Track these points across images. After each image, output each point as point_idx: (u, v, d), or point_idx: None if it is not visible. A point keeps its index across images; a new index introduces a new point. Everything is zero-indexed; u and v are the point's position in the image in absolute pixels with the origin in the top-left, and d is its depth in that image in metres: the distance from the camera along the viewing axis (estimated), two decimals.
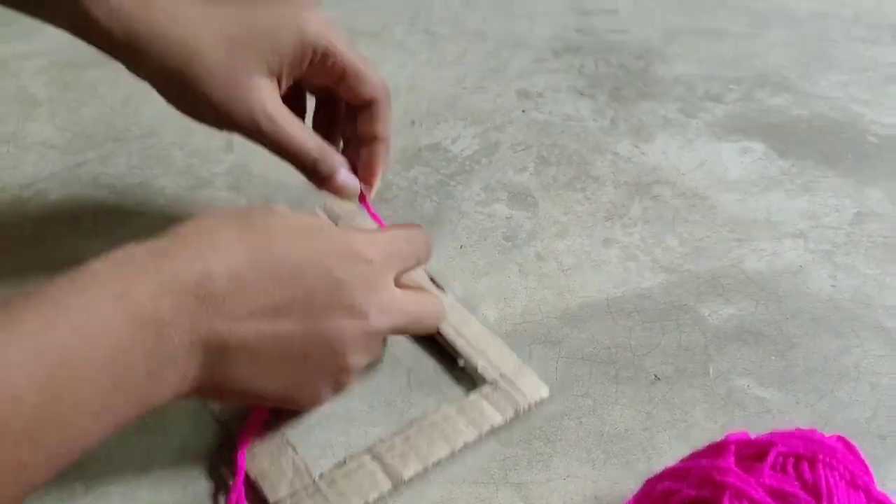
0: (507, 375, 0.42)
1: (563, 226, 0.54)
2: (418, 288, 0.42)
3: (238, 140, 0.60)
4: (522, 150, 0.61)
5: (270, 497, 0.37)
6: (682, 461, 0.34)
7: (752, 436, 0.34)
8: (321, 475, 0.38)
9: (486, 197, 0.56)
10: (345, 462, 0.39)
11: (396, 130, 0.62)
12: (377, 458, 0.39)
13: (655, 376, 0.44)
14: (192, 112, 0.43)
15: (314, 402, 0.39)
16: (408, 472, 0.38)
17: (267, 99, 0.42)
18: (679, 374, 0.44)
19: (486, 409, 0.41)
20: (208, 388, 0.34)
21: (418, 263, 0.41)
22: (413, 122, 0.63)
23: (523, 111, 0.65)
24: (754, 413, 0.42)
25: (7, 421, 0.27)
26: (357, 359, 0.37)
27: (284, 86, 0.44)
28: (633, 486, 0.38)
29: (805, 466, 0.31)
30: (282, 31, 0.41)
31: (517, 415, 0.41)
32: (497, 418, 0.40)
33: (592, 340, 0.46)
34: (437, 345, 0.45)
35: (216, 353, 0.33)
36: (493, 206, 0.55)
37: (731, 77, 0.70)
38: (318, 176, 0.44)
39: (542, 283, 0.49)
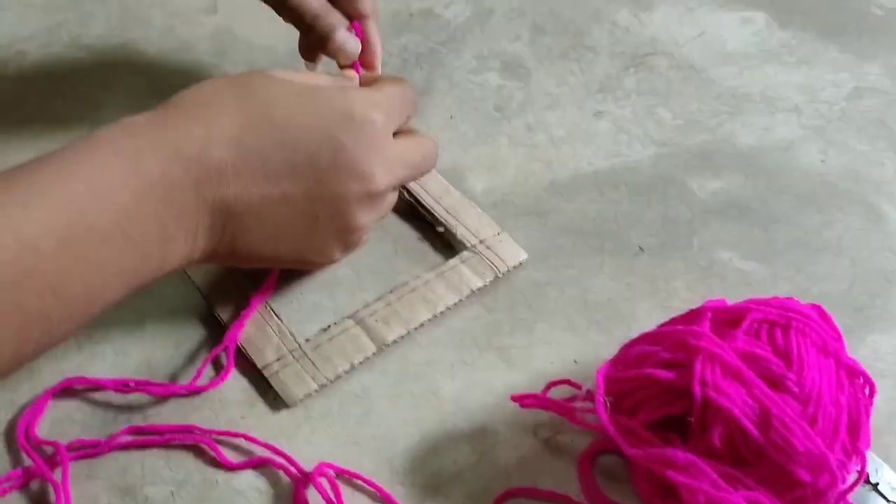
0: (486, 241, 0.43)
1: (555, 97, 0.53)
2: (411, 133, 0.42)
3: (221, 1, 0.58)
4: (517, 17, 0.59)
5: (258, 362, 0.38)
6: (660, 326, 0.35)
7: (730, 304, 0.35)
8: (307, 340, 0.39)
9: (477, 66, 0.55)
10: (329, 327, 0.40)
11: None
12: (360, 322, 0.40)
13: (640, 248, 0.44)
14: None
15: (327, 261, 0.40)
16: (391, 335, 0.39)
17: None
18: (663, 247, 0.44)
19: (466, 274, 0.41)
20: (223, 253, 0.36)
21: (409, 118, 0.41)
22: None
23: None
24: (734, 285, 0.43)
25: (30, 271, 0.29)
26: (365, 218, 0.38)
27: None
28: (612, 351, 0.39)
29: (778, 332, 0.32)
30: None
31: (496, 278, 0.41)
32: (477, 282, 0.41)
33: (579, 212, 0.46)
34: (419, 214, 0.45)
35: (224, 217, 0.34)
36: (485, 76, 0.54)
37: None
38: (316, 34, 0.43)
39: (532, 155, 0.49)
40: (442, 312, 0.40)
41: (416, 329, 0.40)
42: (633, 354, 0.34)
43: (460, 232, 0.43)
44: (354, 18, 0.44)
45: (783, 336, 0.32)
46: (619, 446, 0.32)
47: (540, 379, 0.38)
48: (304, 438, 0.36)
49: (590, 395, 0.33)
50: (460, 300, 0.41)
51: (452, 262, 0.42)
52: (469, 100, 0.52)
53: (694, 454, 0.30)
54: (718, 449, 0.30)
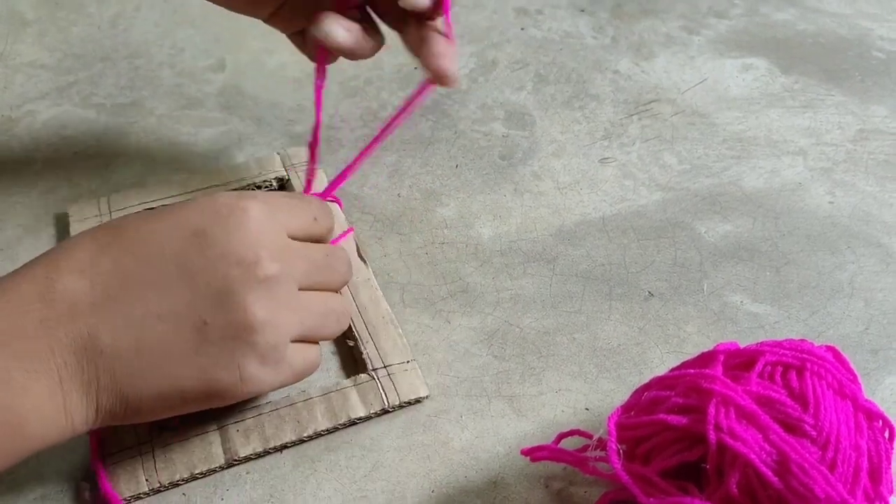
0: (390, 368, 0.39)
1: (560, 144, 0.53)
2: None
3: (229, 59, 0.59)
4: (520, 68, 0.59)
5: (110, 446, 0.36)
6: (672, 371, 0.34)
7: (742, 347, 0.34)
8: (161, 430, 0.37)
9: (482, 116, 0.55)
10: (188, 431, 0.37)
11: (393, 48, 0.60)
12: (222, 429, 0.37)
13: (649, 293, 0.44)
14: None
15: (243, 379, 0.32)
16: (245, 450, 0.36)
17: None
18: (673, 291, 0.44)
19: (352, 400, 0.38)
20: (113, 404, 0.31)
21: (313, 220, 0.36)
22: None
23: (522, 28, 0.63)
24: (747, 328, 0.42)
25: None
26: (263, 309, 0.31)
27: None
28: (623, 398, 0.39)
29: (793, 375, 0.32)
30: None
31: (383, 412, 0.38)
32: (359, 411, 0.38)
33: (587, 258, 0.46)
34: None
35: (92, 356, 0.30)
36: (490, 125, 0.54)
37: None
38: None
39: (538, 202, 0.49)
40: (309, 437, 0.37)
41: (273, 448, 0.36)
42: (645, 400, 0.33)
43: (368, 351, 0.40)
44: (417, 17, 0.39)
45: (798, 378, 0.31)
46: (635, 496, 0.31)
47: (550, 427, 0.38)
48: (311, 492, 0.36)
49: (602, 444, 0.33)
50: (334, 427, 0.37)
51: (346, 382, 0.39)
52: (474, 149, 0.52)
53: (711, 503, 0.29)
54: (736, 496, 0.29)
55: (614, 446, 0.31)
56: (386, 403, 0.38)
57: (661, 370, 0.40)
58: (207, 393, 0.32)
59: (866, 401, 0.32)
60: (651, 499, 0.30)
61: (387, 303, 0.42)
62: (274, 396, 0.38)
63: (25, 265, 0.31)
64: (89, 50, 0.60)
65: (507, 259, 0.45)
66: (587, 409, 0.39)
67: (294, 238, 0.34)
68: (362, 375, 0.39)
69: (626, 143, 0.53)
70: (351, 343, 0.41)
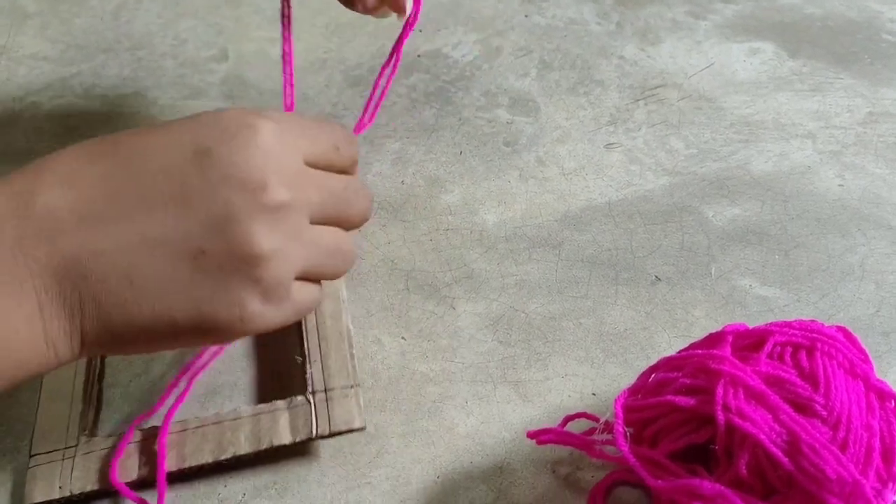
0: (330, 392, 0.36)
1: (565, 130, 0.52)
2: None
3: (232, 49, 0.59)
4: (524, 55, 0.59)
5: (34, 447, 0.35)
6: (679, 352, 0.34)
7: (751, 327, 0.34)
8: (89, 438, 0.35)
9: (486, 103, 0.55)
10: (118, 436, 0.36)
11: (396, 36, 0.60)
12: (144, 442, 0.35)
13: (656, 277, 0.43)
14: None
15: (243, 318, 0.29)
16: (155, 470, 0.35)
17: None
18: (680, 275, 0.43)
19: (280, 425, 0.35)
20: (98, 333, 0.28)
21: (334, 149, 0.32)
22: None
23: (526, 16, 0.63)
24: (756, 312, 0.41)
25: None
26: (269, 240, 0.28)
27: None
28: (630, 383, 0.38)
29: (803, 355, 0.31)
30: None
31: (308, 442, 0.36)
32: (285, 438, 0.35)
33: (593, 243, 0.45)
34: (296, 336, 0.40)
35: (75, 280, 0.27)
36: (494, 112, 0.54)
37: None
38: None
39: (543, 188, 0.48)
40: (226, 459, 0.35)
41: (188, 467, 0.35)
42: (653, 381, 0.33)
43: (313, 370, 0.37)
44: None
45: (808, 358, 0.31)
46: (642, 478, 0.30)
47: (557, 413, 0.37)
48: (315, 479, 0.35)
49: (608, 427, 0.32)
50: (255, 451, 0.35)
51: (280, 403, 0.36)
52: (479, 136, 0.52)
53: (721, 484, 0.29)
54: (746, 478, 0.29)
55: (621, 429, 0.31)
56: (314, 433, 0.35)
57: (669, 354, 0.39)
58: (202, 329, 0.28)
59: (878, 380, 0.31)
60: (659, 481, 0.30)
61: (349, 320, 0.39)
62: (204, 412, 0.37)
63: (5, 177, 0.28)
64: (92, 41, 0.60)
65: (512, 245, 0.45)
66: (594, 393, 0.38)
67: (312, 166, 0.31)
68: (298, 398, 0.36)
69: (631, 128, 0.52)
70: (299, 359, 0.38)
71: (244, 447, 0.35)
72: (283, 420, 0.35)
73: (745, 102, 0.54)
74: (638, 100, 0.55)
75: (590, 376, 0.39)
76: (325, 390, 0.36)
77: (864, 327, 0.41)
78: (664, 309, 0.42)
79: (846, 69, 0.57)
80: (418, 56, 0.59)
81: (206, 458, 0.35)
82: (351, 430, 0.35)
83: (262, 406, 0.36)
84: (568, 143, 0.51)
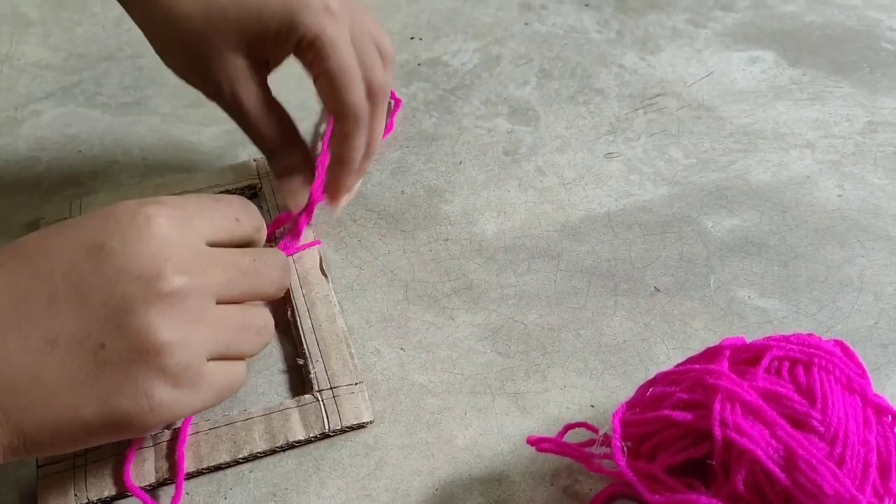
0: (336, 390, 0.38)
1: (565, 140, 0.53)
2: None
3: None
4: (524, 63, 0.59)
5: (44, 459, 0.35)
6: (677, 366, 0.34)
7: (748, 341, 0.34)
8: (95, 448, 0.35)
9: (486, 111, 0.55)
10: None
11: (396, 45, 0.60)
12: (157, 448, 0.36)
13: (655, 288, 0.43)
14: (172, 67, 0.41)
15: (153, 407, 0.29)
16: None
17: (235, 77, 0.39)
18: (679, 286, 0.43)
19: (293, 422, 0.37)
20: (14, 441, 0.28)
21: (234, 221, 0.33)
22: (412, 38, 0.62)
23: (525, 24, 0.63)
24: (754, 323, 0.42)
25: None
26: (168, 329, 0.29)
27: (272, 66, 0.41)
28: (629, 394, 0.38)
29: (800, 370, 0.31)
30: (272, 9, 0.37)
31: (323, 437, 0.37)
32: (298, 434, 0.36)
33: (592, 253, 0.45)
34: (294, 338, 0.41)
35: None
36: (494, 121, 0.54)
37: None
38: (272, 168, 0.41)
39: (542, 197, 0.49)
40: (244, 458, 0.36)
41: (206, 469, 0.35)
42: (650, 396, 0.33)
43: (316, 371, 0.38)
44: (334, 159, 0.42)
45: (805, 373, 0.31)
46: (640, 493, 0.30)
47: (555, 425, 0.37)
48: (315, 491, 0.35)
49: (607, 440, 0.32)
50: (271, 449, 0.36)
51: (289, 402, 0.37)
52: (478, 145, 0.52)
53: (718, 500, 0.29)
54: (743, 494, 0.29)
55: (619, 443, 0.31)
56: (327, 427, 0.37)
57: (668, 366, 0.39)
58: (113, 423, 0.29)
59: (875, 395, 0.31)
60: (656, 496, 0.30)
61: (344, 322, 0.41)
62: (214, 415, 0.37)
63: None
64: (93, 50, 0.60)
65: (511, 255, 0.45)
66: (592, 405, 0.38)
67: (214, 244, 0.32)
68: (307, 396, 0.38)
69: (631, 137, 0.53)
70: (301, 361, 0.39)
71: (260, 445, 0.36)
72: (295, 417, 0.37)
73: (744, 111, 0.54)
74: (637, 109, 0.55)
75: (588, 388, 0.39)
76: (332, 388, 0.38)
77: (863, 339, 0.41)
78: (663, 320, 0.42)
79: (846, 78, 0.57)
80: (418, 64, 0.59)
81: (224, 457, 0.36)
82: (361, 425, 0.37)
83: (272, 405, 0.37)
84: (567, 153, 0.52)
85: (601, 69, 0.58)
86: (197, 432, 0.36)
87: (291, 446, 0.36)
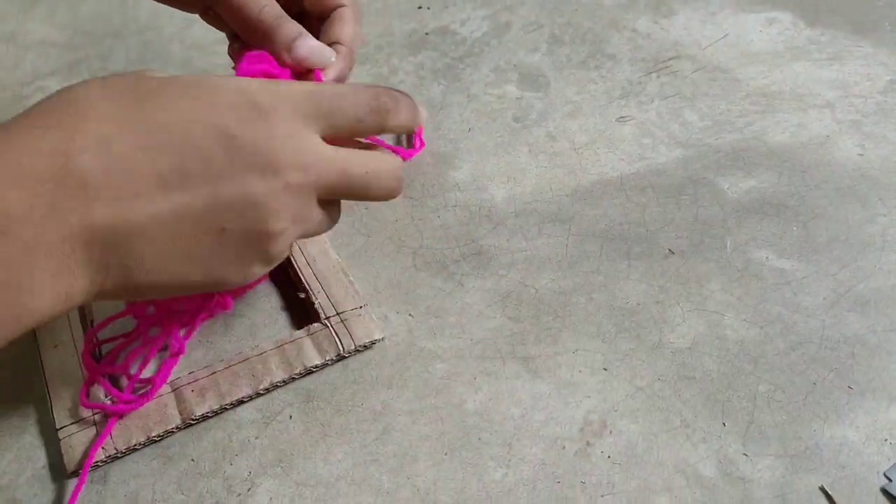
0: (343, 314, 0.39)
1: (576, 105, 0.51)
2: (368, 147, 0.36)
3: None
4: (534, 30, 0.58)
5: (57, 422, 0.36)
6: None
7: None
8: (112, 401, 0.36)
9: (495, 78, 0.54)
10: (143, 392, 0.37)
11: (403, 14, 0.59)
12: (176, 391, 0.37)
13: (669, 250, 0.42)
14: None
15: (247, 278, 0.33)
16: (201, 409, 0.36)
17: None
18: (694, 248, 0.42)
19: (306, 349, 0.38)
20: (117, 288, 0.30)
21: (356, 121, 0.33)
22: (420, 7, 0.60)
23: None
24: (772, 284, 0.40)
25: None
26: (282, 221, 0.31)
27: None
28: (644, 357, 0.38)
29: None
30: None
31: (339, 358, 0.38)
32: (314, 359, 0.37)
33: (604, 217, 0.44)
34: (288, 276, 0.42)
35: (107, 246, 0.28)
36: (503, 88, 0.53)
37: None
38: (278, 47, 0.39)
39: (553, 162, 0.47)
40: (265, 389, 0.37)
41: (230, 404, 0.36)
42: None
43: (320, 301, 0.39)
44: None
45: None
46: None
47: (567, 388, 0.36)
48: (322, 456, 0.35)
49: None
50: (290, 377, 0.37)
51: (299, 333, 0.38)
52: (488, 112, 0.51)
53: None
54: None
55: None
56: (341, 349, 0.38)
57: (683, 328, 0.38)
58: (211, 287, 0.32)
59: None
60: None
61: (336, 255, 0.42)
62: (227, 354, 0.38)
63: (25, 117, 0.28)
64: (99, 27, 0.60)
65: (521, 221, 0.44)
66: (605, 368, 0.37)
67: (333, 140, 0.33)
68: (315, 325, 0.39)
69: (644, 101, 0.51)
70: (302, 295, 0.40)
71: (278, 375, 0.37)
72: (308, 345, 0.38)
73: (761, 73, 0.53)
74: (651, 72, 0.53)
75: (601, 351, 0.38)
76: (338, 314, 0.39)
77: (886, 298, 0.39)
78: (678, 282, 0.41)
79: (866, 37, 0.55)
80: (426, 34, 0.58)
81: (246, 391, 0.36)
82: (374, 343, 0.38)
83: (283, 338, 0.38)
84: (579, 118, 0.50)
85: (613, 34, 0.57)
86: (214, 372, 0.37)
87: (309, 372, 0.37)
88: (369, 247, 0.43)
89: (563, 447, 0.35)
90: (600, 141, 0.49)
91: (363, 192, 0.34)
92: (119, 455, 0.35)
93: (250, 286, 0.40)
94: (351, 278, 0.41)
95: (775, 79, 0.52)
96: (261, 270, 0.33)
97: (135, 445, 0.35)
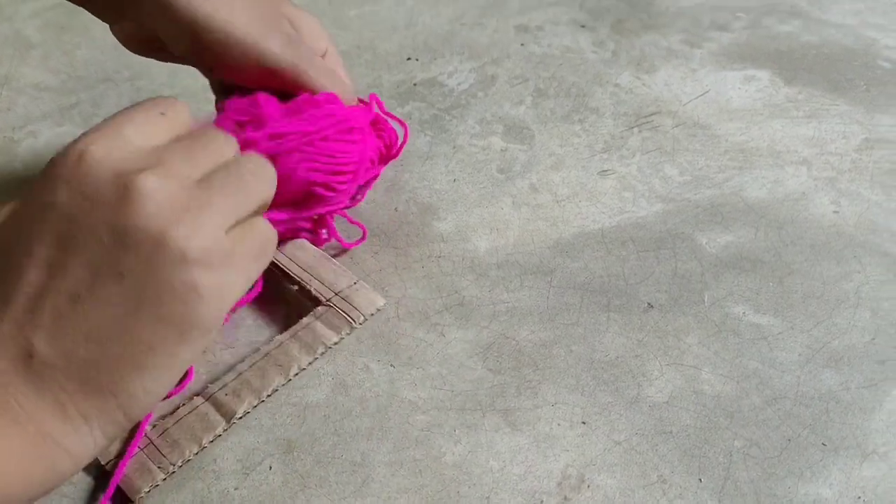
0: (341, 293, 0.42)
1: (559, 158, 0.52)
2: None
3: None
4: (519, 83, 0.59)
5: (102, 458, 0.36)
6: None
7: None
8: (152, 426, 0.37)
9: (481, 130, 0.55)
10: (176, 409, 0.37)
11: (392, 66, 0.60)
12: (210, 398, 0.37)
13: (648, 304, 0.43)
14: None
15: (209, 300, 0.29)
16: (241, 407, 0.37)
17: None
18: (673, 302, 0.43)
19: (320, 330, 0.40)
20: (110, 413, 0.28)
21: (159, 116, 0.31)
22: (409, 58, 0.62)
23: (521, 45, 0.63)
24: (749, 339, 0.41)
25: None
26: (168, 222, 0.28)
27: None
28: (622, 411, 0.38)
29: None
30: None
31: (352, 330, 0.40)
32: (332, 337, 0.40)
33: (585, 270, 0.45)
34: (273, 274, 0.43)
35: (41, 371, 0.27)
36: (488, 140, 0.54)
37: (739, 6, 0.68)
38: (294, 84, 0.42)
39: (536, 214, 0.48)
40: (296, 374, 0.39)
41: (268, 396, 0.38)
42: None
43: (315, 287, 0.42)
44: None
45: None
46: None
47: (546, 441, 0.37)
48: None
49: None
50: (315, 358, 0.39)
51: (306, 319, 0.40)
52: (472, 163, 0.52)
53: None
54: None
55: None
56: (353, 322, 0.40)
57: (661, 382, 0.39)
58: (178, 332, 0.28)
59: None
60: None
61: (312, 247, 0.44)
62: (247, 353, 0.39)
63: None
64: (92, 72, 0.61)
65: (503, 272, 0.45)
66: (584, 422, 0.38)
67: (151, 142, 0.31)
68: (319, 308, 0.41)
69: (625, 155, 0.52)
70: (295, 287, 0.42)
71: (303, 359, 0.39)
72: (320, 326, 0.40)
73: (739, 129, 0.54)
74: (632, 127, 0.55)
75: (580, 404, 0.38)
76: (336, 294, 0.41)
77: (860, 355, 0.40)
78: (656, 336, 0.41)
79: (842, 96, 0.57)
80: (414, 84, 0.59)
81: (279, 380, 0.38)
82: (379, 310, 0.41)
83: (293, 328, 0.40)
84: (562, 170, 0.51)
85: (596, 88, 0.58)
86: (240, 374, 0.38)
87: (329, 349, 0.40)
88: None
89: (541, 501, 0.35)
90: (582, 193, 0.50)
91: (214, 154, 0.32)
92: (174, 470, 0.35)
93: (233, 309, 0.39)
94: (336, 262, 0.43)
95: (753, 135, 0.54)
96: (213, 278, 0.29)
97: (189, 457, 0.36)
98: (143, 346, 0.28)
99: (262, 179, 0.33)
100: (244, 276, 0.31)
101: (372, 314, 0.41)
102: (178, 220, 0.28)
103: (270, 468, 0.36)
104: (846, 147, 0.53)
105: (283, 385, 0.38)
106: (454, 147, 0.53)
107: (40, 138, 0.55)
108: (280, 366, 0.39)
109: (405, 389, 0.39)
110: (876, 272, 0.44)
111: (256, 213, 0.33)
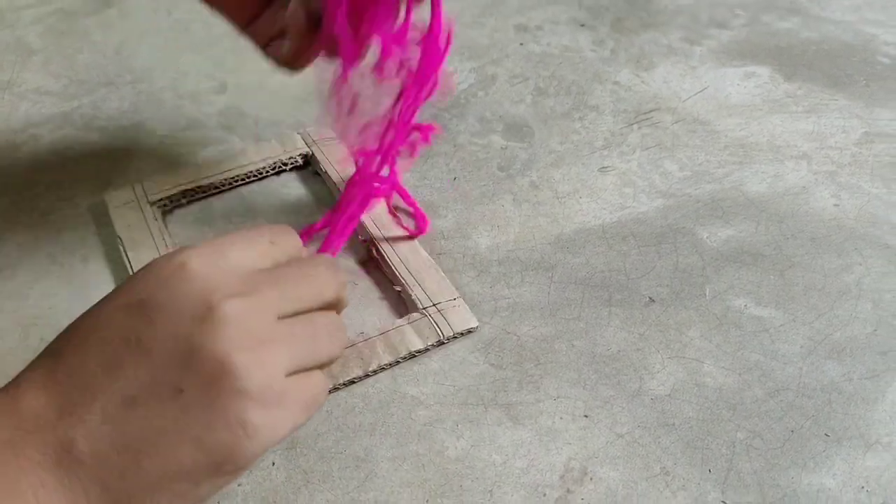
0: (439, 305, 0.42)
1: (560, 155, 0.53)
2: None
3: (231, 81, 0.60)
4: (519, 82, 0.59)
5: None
6: None
7: None
8: None
9: (481, 129, 0.55)
10: None
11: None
12: None
13: (650, 298, 0.43)
14: None
15: (248, 433, 0.28)
16: None
17: None
18: (674, 296, 0.43)
19: (408, 335, 0.40)
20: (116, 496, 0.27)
21: (269, 244, 0.32)
22: None
23: (521, 44, 0.63)
24: (750, 332, 0.41)
25: None
26: (238, 351, 0.27)
27: None
28: (624, 404, 0.38)
29: None
30: None
31: (439, 343, 0.41)
32: (417, 344, 0.40)
33: (586, 265, 0.45)
34: (382, 271, 0.45)
35: (73, 467, 0.26)
36: (489, 138, 0.54)
37: (738, 3, 0.68)
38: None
39: (537, 211, 0.48)
40: (374, 370, 0.39)
41: (343, 383, 0.39)
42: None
43: (416, 293, 0.42)
44: None
45: None
46: None
47: (548, 435, 0.37)
48: None
49: None
50: (396, 360, 0.40)
51: (400, 321, 0.41)
52: (473, 161, 0.52)
53: None
54: None
55: None
56: (441, 336, 0.40)
57: (663, 375, 0.39)
58: (215, 462, 0.27)
59: None
60: None
61: (425, 251, 0.45)
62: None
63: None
64: (93, 76, 0.61)
65: (504, 268, 0.45)
66: (586, 415, 0.38)
67: (255, 270, 0.31)
68: (414, 314, 0.42)
69: (625, 151, 0.53)
70: (398, 288, 0.43)
71: (385, 358, 0.40)
72: (410, 332, 0.41)
73: (739, 125, 0.54)
74: (632, 124, 0.55)
75: (582, 398, 0.38)
76: (434, 304, 0.42)
77: (862, 346, 0.40)
78: (658, 330, 0.41)
79: (841, 91, 0.57)
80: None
81: (356, 371, 0.39)
82: (470, 331, 0.41)
83: (386, 325, 0.41)
84: (562, 167, 0.51)
85: (596, 86, 0.58)
86: None
87: (412, 356, 0.40)
88: (355, 294, 0.44)
89: (544, 494, 0.35)
90: (583, 190, 0.50)
91: (310, 289, 0.32)
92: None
93: None
94: (443, 274, 0.44)
95: (753, 130, 0.54)
96: (260, 415, 0.28)
97: None
98: (175, 469, 0.27)
99: (334, 341, 0.32)
100: (291, 422, 0.30)
101: (462, 333, 0.41)
102: (246, 349, 0.28)
103: (273, 464, 0.36)
104: (846, 141, 0.53)
105: (360, 378, 0.39)
106: (455, 145, 0.53)
107: (41, 142, 0.55)
108: (362, 359, 0.40)
109: (408, 385, 0.39)
110: (877, 264, 0.44)
111: (318, 367, 0.32)
